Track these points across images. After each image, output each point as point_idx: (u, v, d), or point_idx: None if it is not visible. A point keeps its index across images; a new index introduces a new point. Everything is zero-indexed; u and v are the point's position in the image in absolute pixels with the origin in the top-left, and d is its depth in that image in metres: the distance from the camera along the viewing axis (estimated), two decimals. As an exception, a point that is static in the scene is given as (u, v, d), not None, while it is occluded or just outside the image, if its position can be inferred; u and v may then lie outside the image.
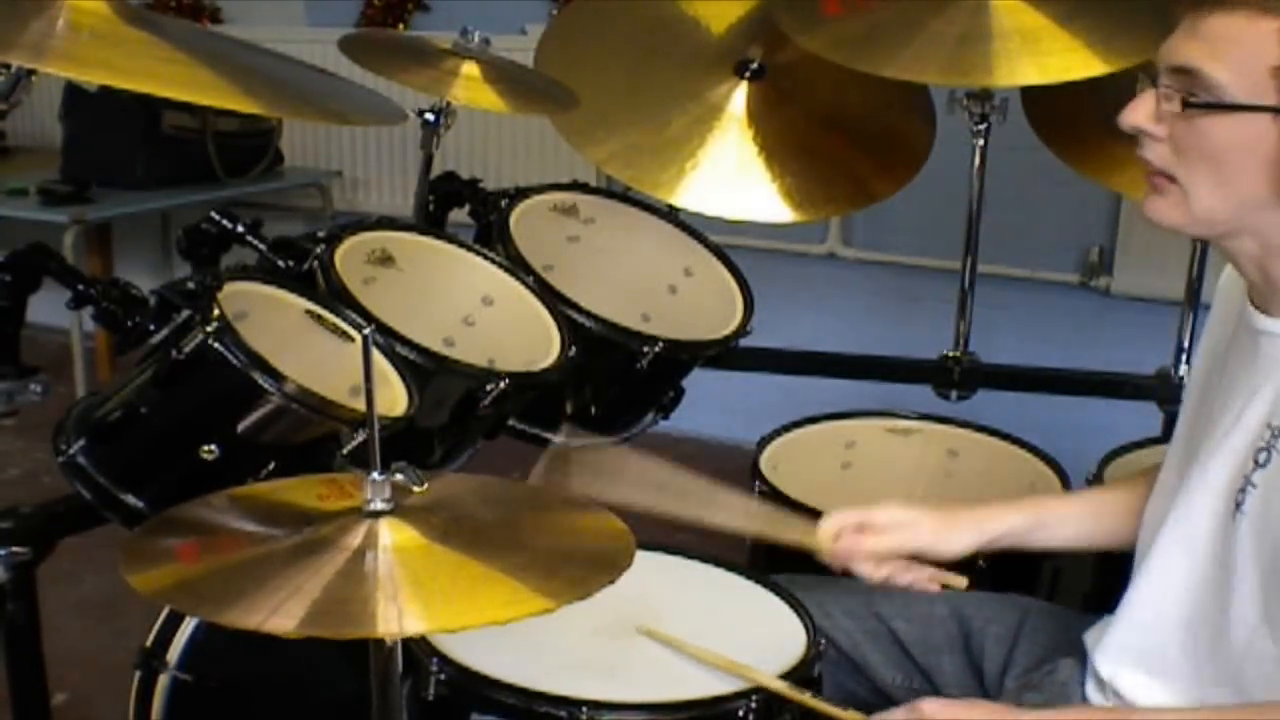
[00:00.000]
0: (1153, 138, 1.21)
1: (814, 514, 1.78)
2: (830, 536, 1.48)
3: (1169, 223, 1.23)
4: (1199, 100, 1.16)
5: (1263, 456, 1.19)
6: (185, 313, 1.42)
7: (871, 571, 1.47)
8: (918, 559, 1.48)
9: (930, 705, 1.25)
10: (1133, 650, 1.31)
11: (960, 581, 1.48)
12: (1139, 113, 1.22)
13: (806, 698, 1.29)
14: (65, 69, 1.22)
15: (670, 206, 2.24)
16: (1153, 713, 1.27)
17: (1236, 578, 1.21)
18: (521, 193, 2.08)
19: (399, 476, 1.05)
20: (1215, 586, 1.24)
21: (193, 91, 1.25)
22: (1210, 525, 1.25)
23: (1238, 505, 1.21)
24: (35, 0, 1.23)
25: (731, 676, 1.32)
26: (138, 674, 1.59)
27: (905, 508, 1.48)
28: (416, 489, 1.06)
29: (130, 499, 1.48)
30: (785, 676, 1.32)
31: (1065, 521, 1.51)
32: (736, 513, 1.45)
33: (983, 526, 1.48)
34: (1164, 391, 2.23)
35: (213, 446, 1.44)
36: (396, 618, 0.94)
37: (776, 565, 1.65)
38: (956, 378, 2.34)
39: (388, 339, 1.60)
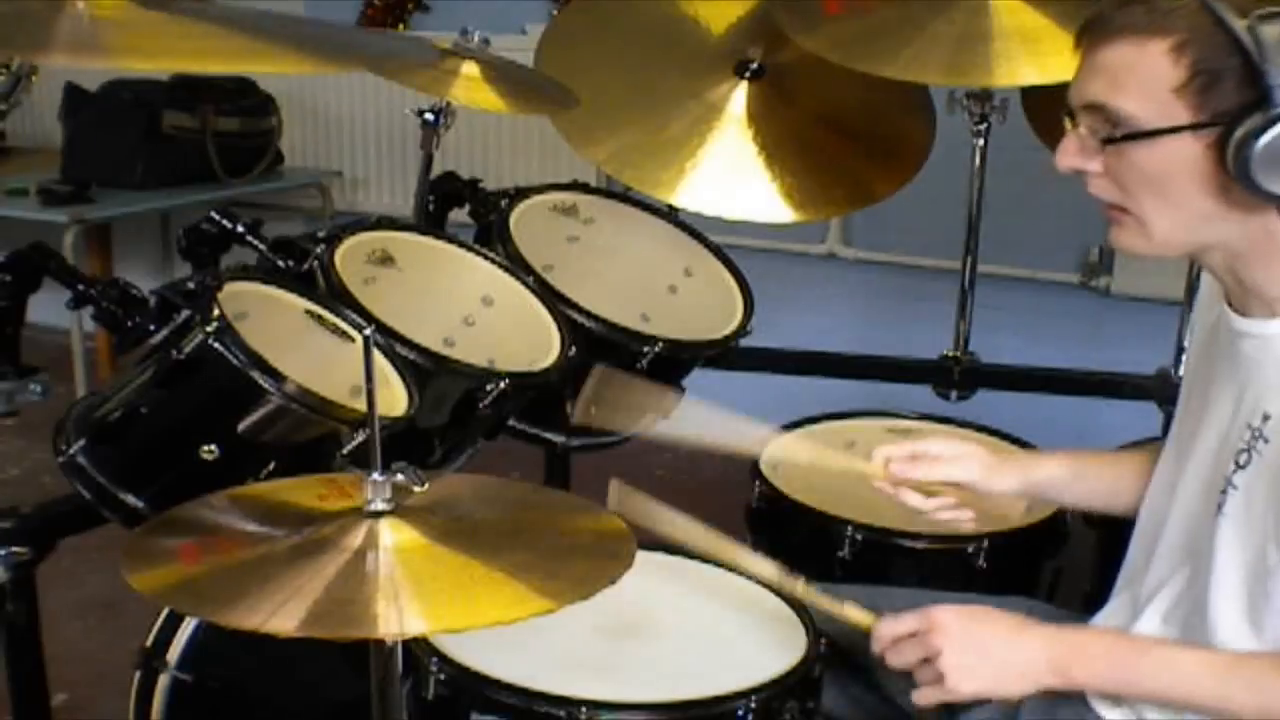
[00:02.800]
0: (1093, 174, 1.22)
1: (814, 514, 1.79)
2: (882, 463, 1.48)
3: (1136, 251, 1.23)
4: (1116, 134, 1.17)
5: (1243, 458, 1.19)
6: (185, 313, 1.43)
7: (920, 502, 1.48)
8: (964, 491, 1.48)
9: (944, 613, 1.25)
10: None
11: (1011, 515, 1.49)
12: (1068, 155, 1.22)
13: (800, 588, 1.31)
14: (88, 60, 1.19)
15: (670, 206, 2.24)
16: (1173, 648, 1.25)
17: (1217, 578, 1.21)
18: (521, 193, 2.08)
19: (399, 477, 1.05)
20: (1196, 587, 1.24)
21: (238, 61, 1.21)
22: (1192, 526, 1.26)
23: (1219, 507, 1.21)
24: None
25: (735, 662, 1.32)
26: (138, 674, 1.59)
27: (957, 439, 1.49)
28: (417, 489, 1.06)
29: (130, 499, 1.48)
30: (785, 677, 1.32)
31: (1100, 477, 1.51)
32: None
33: (1028, 470, 1.50)
34: (1164, 391, 2.22)
35: (213, 446, 1.44)
36: (397, 618, 0.94)
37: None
38: (956, 378, 2.34)
39: (388, 339, 1.60)
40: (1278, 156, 1.11)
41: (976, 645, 1.24)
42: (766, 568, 1.39)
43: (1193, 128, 1.14)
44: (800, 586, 1.32)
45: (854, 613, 1.32)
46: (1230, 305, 1.26)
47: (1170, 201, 1.18)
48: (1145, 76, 1.15)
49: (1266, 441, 1.17)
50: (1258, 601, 1.18)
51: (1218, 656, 1.20)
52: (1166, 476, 1.35)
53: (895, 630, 1.28)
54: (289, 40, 1.28)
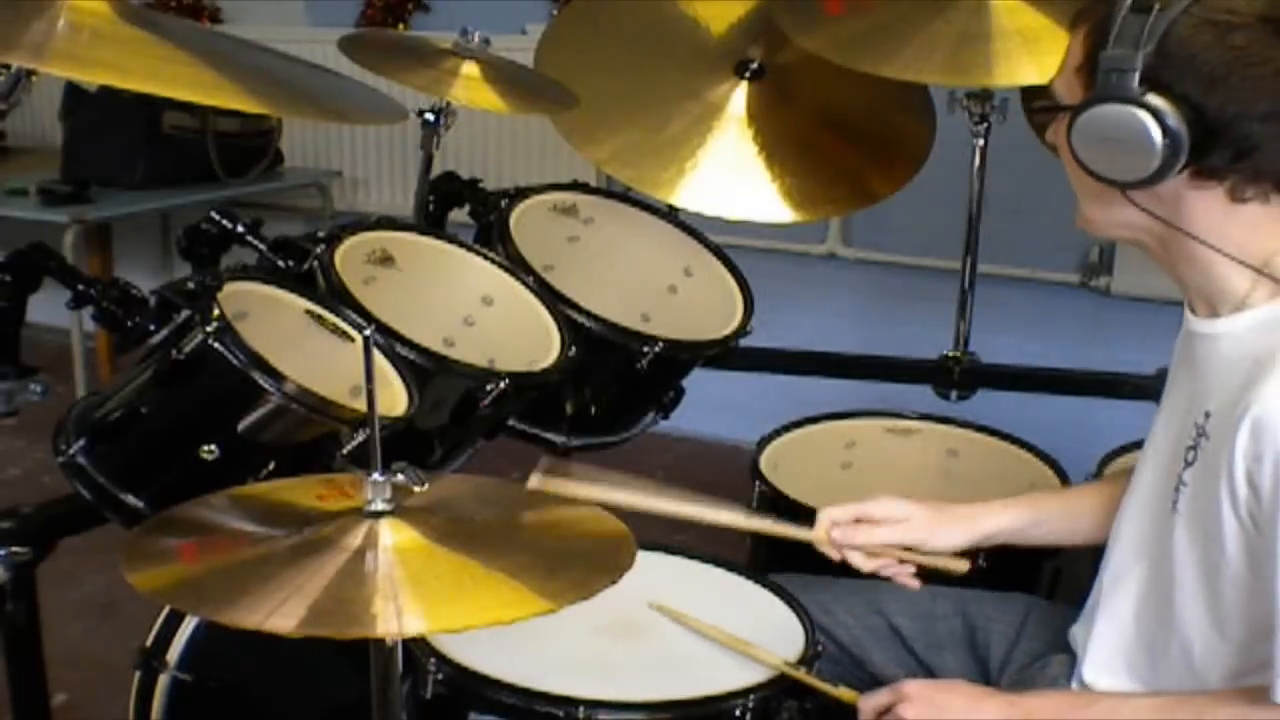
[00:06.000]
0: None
1: (813, 514, 1.79)
2: (825, 528, 1.48)
3: (1088, 231, 1.29)
4: (1039, 105, 1.25)
5: (1190, 455, 1.20)
6: (185, 313, 1.43)
7: (862, 563, 1.48)
8: (911, 551, 1.49)
9: (912, 685, 1.32)
10: (1105, 650, 1.33)
11: (960, 567, 1.49)
12: (1049, 134, 1.28)
13: (802, 674, 1.33)
14: (65, 69, 1.22)
15: (670, 206, 2.24)
16: (1117, 698, 1.28)
17: (1178, 577, 1.22)
18: (521, 193, 2.08)
19: (399, 477, 1.05)
20: (1161, 586, 1.25)
21: (194, 91, 1.25)
22: (1152, 526, 1.28)
23: (1174, 504, 1.22)
24: (35, 0, 1.23)
25: (733, 660, 1.32)
26: (138, 674, 1.59)
27: (900, 501, 1.49)
28: (417, 489, 1.06)
29: (130, 499, 1.48)
30: (784, 676, 1.33)
31: (1061, 517, 1.52)
32: (734, 513, 1.47)
33: (976, 522, 1.49)
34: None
35: (213, 446, 1.44)
36: (396, 618, 0.94)
37: (777, 564, 1.66)
38: (956, 378, 2.34)
39: (388, 339, 1.60)
40: (1089, 139, 1.15)
41: (939, 711, 1.30)
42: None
43: (1063, 108, 1.20)
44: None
45: (842, 692, 1.35)
46: (1188, 306, 1.28)
47: (1080, 182, 1.24)
48: (1068, 59, 1.22)
49: (1208, 439, 1.18)
50: (1216, 598, 1.19)
51: (1160, 699, 1.24)
52: (1137, 474, 1.36)
53: (873, 704, 1.33)
54: (247, 82, 1.32)
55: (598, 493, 1.32)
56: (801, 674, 1.33)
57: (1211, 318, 1.23)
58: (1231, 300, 1.20)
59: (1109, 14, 1.15)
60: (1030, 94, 2.27)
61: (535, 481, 1.34)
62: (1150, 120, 1.11)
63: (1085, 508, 1.50)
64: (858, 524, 1.48)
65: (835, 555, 1.48)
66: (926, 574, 1.51)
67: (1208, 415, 1.19)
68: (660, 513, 1.42)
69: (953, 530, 1.48)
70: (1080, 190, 1.26)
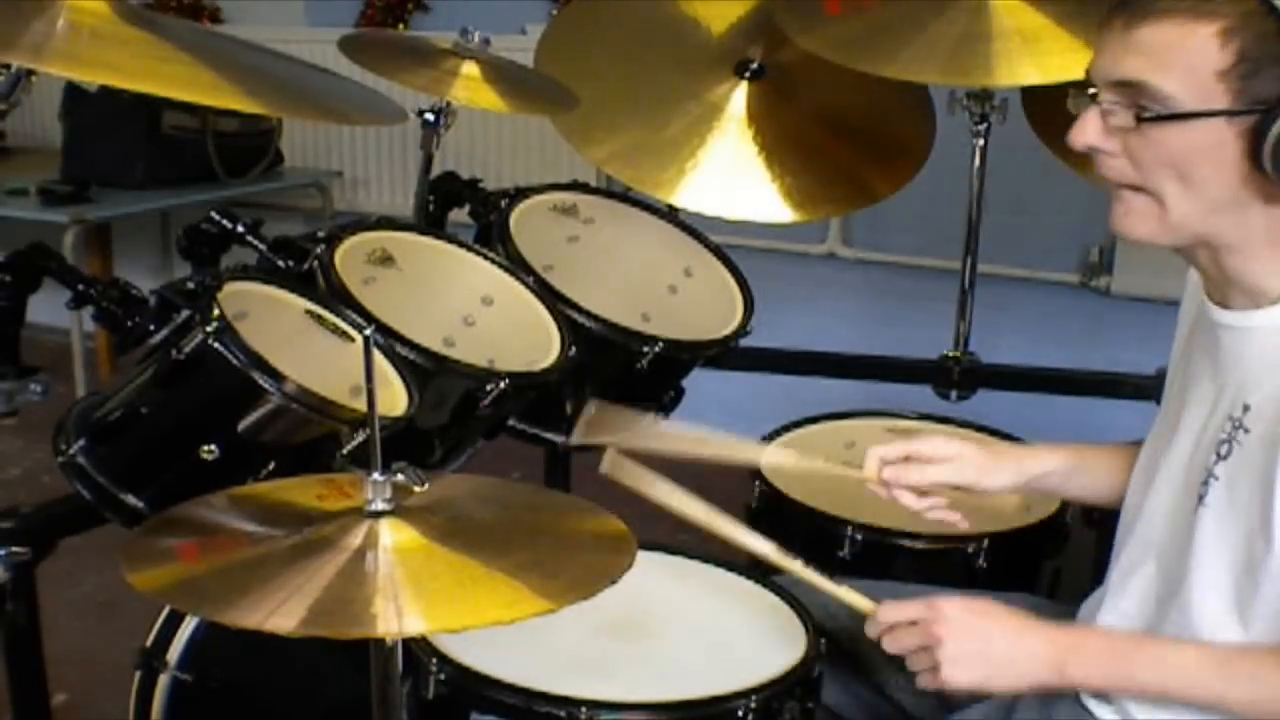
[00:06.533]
0: (1108, 154, 1.20)
1: (814, 514, 1.79)
2: (876, 467, 1.48)
3: (1142, 235, 1.22)
4: (1152, 113, 1.15)
5: (1224, 449, 1.19)
6: (185, 313, 1.43)
7: (913, 503, 1.48)
8: (959, 491, 1.48)
9: (950, 605, 1.25)
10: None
11: (1009, 514, 1.47)
12: (1088, 132, 1.20)
13: (797, 566, 1.31)
14: (65, 69, 1.22)
15: (670, 206, 2.24)
16: (1164, 644, 1.24)
17: (1198, 570, 1.21)
18: (521, 193, 2.08)
19: (399, 477, 1.05)
20: (1176, 578, 1.24)
21: (193, 91, 1.25)
22: (1171, 517, 1.26)
23: (1200, 498, 1.21)
24: (35, 0, 1.23)
25: (734, 661, 1.32)
26: (138, 674, 1.59)
27: (949, 439, 1.49)
28: (417, 489, 1.06)
29: (130, 499, 1.48)
30: (785, 677, 1.32)
31: (1105, 469, 1.50)
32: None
33: (1023, 464, 1.49)
34: (1163, 391, 2.23)
35: (213, 446, 1.44)
36: (397, 618, 0.94)
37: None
38: (956, 378, 2.34)
39: (388, 339, 1.59)
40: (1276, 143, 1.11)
41: (979, 638, 1.24)
42: (762, 545, 1.38)
43: (1230, 113, 1.13)
44: (798, 566, 1.31)
45: (853, 597, 1.32)
46: (1211, 298, 1.26)
47: (1191, 185, 1.17)
48: (1190, 58, 1.13)
49: (1248, 432, 1.17)
50: (1245, 592, 1.18)
51: (1212, 652, 1.20)
52: (1145, 469, 1.35)
53: (897, 615, 1.28)
54: (246, 82, 1.32)
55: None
56: (798, 568, 1.29)
57: (1248, 310, 1.21)
58: (1272, 294, 1.19)
59: (1248, 16, 1.11)
60: (1029, 97, 2.27)
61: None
62: None
63: (1130, 467, 1.46)
64: (908, 462, 1.47)
65: (884, 494, 1.48)
66: (930, 577, 1.51)
67: (1247, 408, 1.18)
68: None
69: (1002, 471, 1.48)
70: (1188, 197, 1.18)
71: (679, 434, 1.46)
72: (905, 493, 1.48)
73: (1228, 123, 1.13)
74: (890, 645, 1.29)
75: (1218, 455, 1.20)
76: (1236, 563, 1.18)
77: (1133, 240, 1.23)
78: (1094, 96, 1.20)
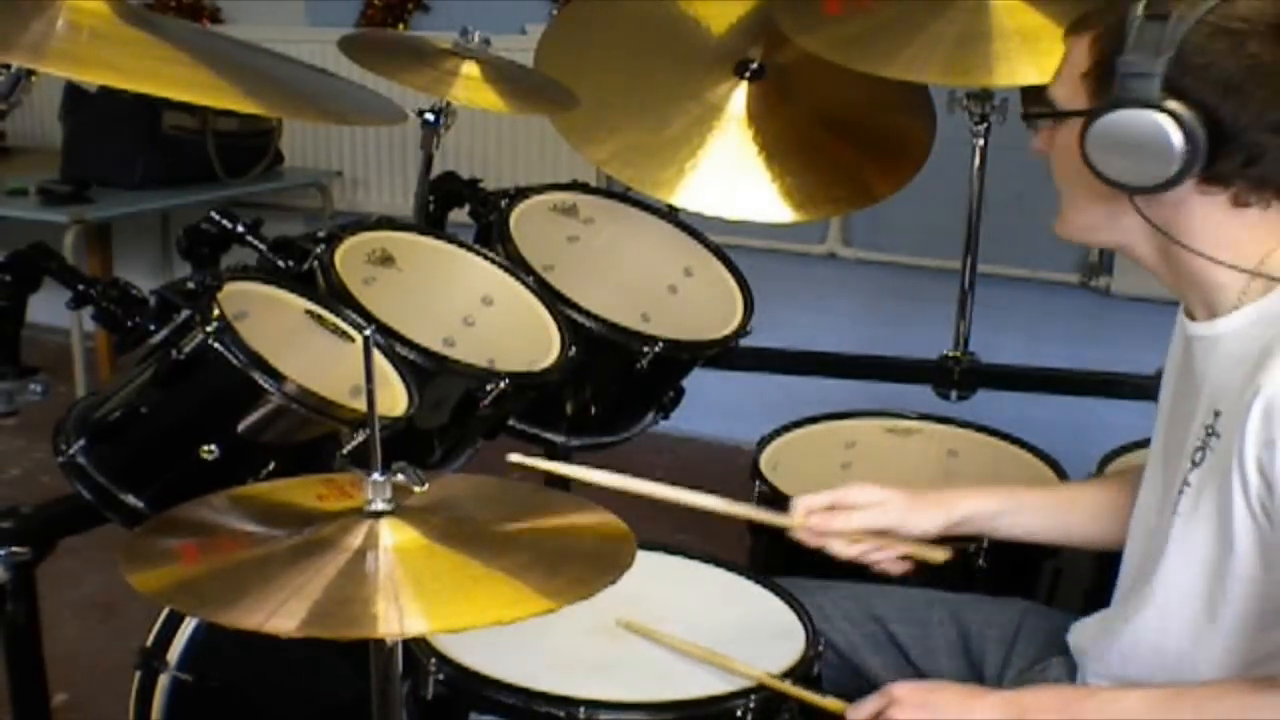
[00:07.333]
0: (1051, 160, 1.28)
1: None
2: (802, 516, 1.48)
3: (1061, 235, 1.30)
4: (1032, 112, 1.25)
5: (1199, 456, 1.20)
6: (185, 313, 1.43)
7: (842, 549, 1.48)
8: (887, 537, 1.48)
9: (901, 688, 1.29)
10: (1114, 652, 1.32)
11: (938, 556, 1.49)
12: (1036, 141, 1.29)
13: (787, 686, 1.31)
14: (65, 69, 1.22)
15: (670, 206, 2.24)
16: (1114, 691, 1.28)
17: (1172, 579, 1.22)
18: (521, 193, 2.08)
19: (399, 477, 1.05)
20: (1149, 585, 1.25)
21: (193, 91, 1.25)
22: (1153, 534, 1.27)
23: (1174, 506, 1.22)
24: (35, 0, 1.23)
25: (722, 672, 1.32)
26: (138, 674, 1.59)
27: (875, 487, 1.49)
28: (417, 489, 1.06)
29: (130, 499, 1.48)
30: (785, 676, 1.32)
31: (1035, 511, 1.52)
32: (712, 499, 1.47)
33: (950, 507, 1.49)
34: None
35: (213, 446, 1.44)
36: (397, 618, 0.94)
37: (776, 567, 1.65)
38: (956, 378, 2.34)
39: (388, 339, 1.60)
40: (1104, 142, 1.15)
41: (933, 711, 1.28)
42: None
43: (1076, 113, 1.19)
44: (771, 680, 1.32)
45: (828, 702, 1.33)
46: (1184, 311, 1.28)
47: (1073, 190, 1.25)
48: (1070, 64, 1.23)
49: (1218, 437, 1.18)
50: (1215, 596, 1.19)
51: (1159, 691, 1.22)
52: (1148, 485, 1.36)
53: (862, 713, 1.30)
54: (245, 82, 1.33)
55: (576, 472, 1.36)
56: (785, 685, 1.30)
57: (1211, 319, 1.23)
58: (1228, 300, 1.20)
59: (1120, 20, 1.15)
60: (1028, 97, 2.27)
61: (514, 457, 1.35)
62: (1172, 125, 1.12)
63: (1079, 505, 1.50)
64: (833, 510, 1.48)
65: (813, 542, 1.48)
66: (930, 578, 1.51)
67: (1218, 414, 1.18)
68: (636, 493, 1.41)
69: (928, 514, 1.48)
70: (1075, 196, 1.25)
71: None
72: (834, 540, 1.48)
73: (1075, 125, 1.19)
74: None
75: (1192, 463, 1.21)
76: (1209, 567, 1.19)
77: (1063, 240, 1.31)
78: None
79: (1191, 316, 1.26)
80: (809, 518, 1.48)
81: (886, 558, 1.49)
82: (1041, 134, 1.27)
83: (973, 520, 1.50)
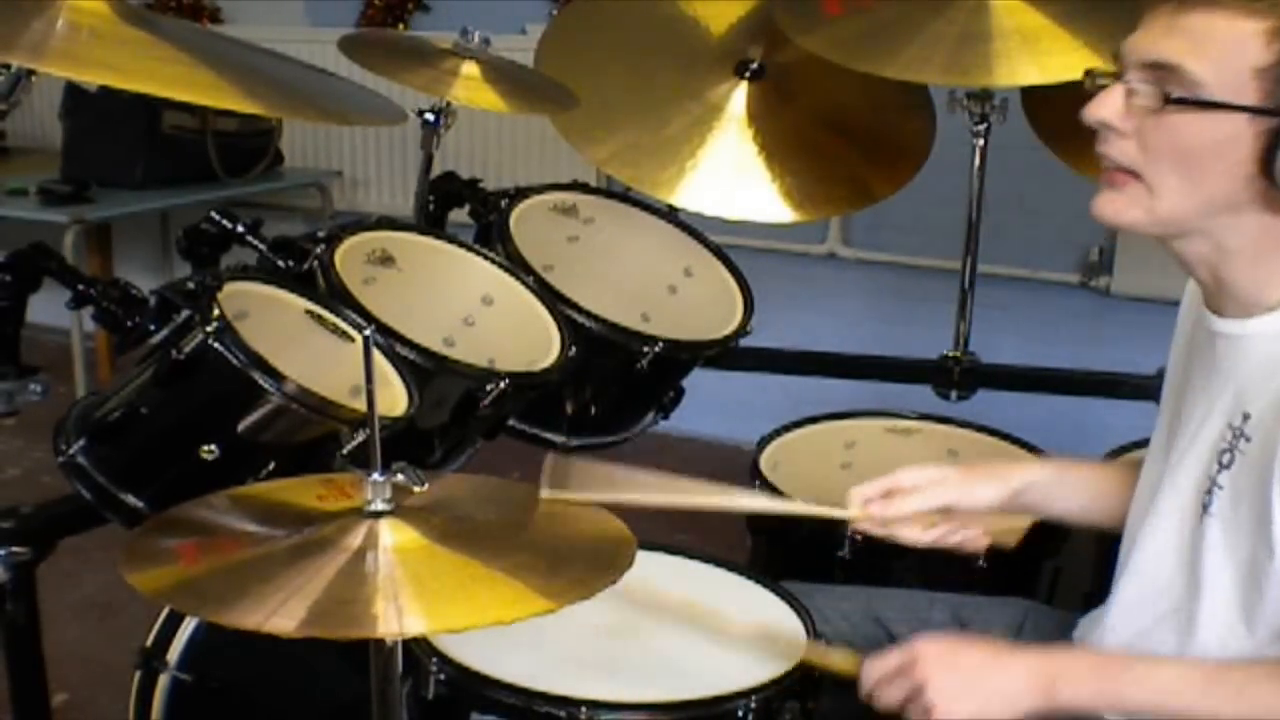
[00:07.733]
0: (1118, 133, 1.18)
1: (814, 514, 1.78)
2: (860, 508, 1.45)
3: (1124, 220, 1.20)
4: (1179, 97, 1.14)
5: (1226, 458, 1.19)
6: (185, 313, 1.43)
7: (915, 537, 1.45)
8: (946, 513, 1.45)
9: (926, 645, 1.25)
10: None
11: (1012, 537, 1.45)
12: (1106, 108, 1.18)
13: (796, 505, 1.29)
14: (65, 69, 1.22)
15: (670, 206, 2.24)
16: (1154, 662, 1.24)
17: (1207, 578, 1.21)
18: (521, 193, 2.08)
19: (399, 477, 1.05)
20: (1184, 587, 1.24)
21: (193, 91, 1.25)
22: (1179, 528, 1.26)
23: (1205, 507, 1.21)
24: (35, 0, 1.23)
25: (735, 661, 1.32)
26: (138, 674, 1.59)
27: (927, 466, 1.46)
28: (417, 489, 1.06)
29: (130, 499, 1.48)
30: (785, 677, 1.32)
31: (1086, 487, 1.49)
32: (757, 498, 1.43)
33: (1007, 478, 1.47)
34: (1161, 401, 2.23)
35: (213, 446, 1.44)
36: (397, 618, 0.94)
37: (776, 569, 1.65)
38: (956, 378, 2.34)
39: (388, 339, 1.60)
40: None
41: (960, 671, 1.23)
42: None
43: (1257, 111, 1.12)
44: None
45: (839, 660, 1.31)
46: (1208, 305, 1.26)
47: (1192, 179, 1.16)
48: (1231, 49, 1.12)
49: (1249, 440, 1.17)
50: (1251, 599, 1.18)
51: (1200, 667, 1.20)
52: (1149, 480, 1.34)
53: (881, 669, 1.27)
54: (245, 82, 1.32)
55: (608, 496, 1.27)
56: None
57: (1244, 318, 1.21)
58: (1268, 299, 1.19)
59: None
60: (1029, 97, 2.27)
61: (546, 493, 1.30)
62: None
63: (1111, 487, 1.47)
64: (890, 496, 1.45)
65: (878, 533, 1.45)
66: (930, 578, 1.50)
67: (1247, 417, 1.17)
68: (677, 508, 1.36)
69: (988, 485, 1.46)
70: (1180, 182, 1.16)
71: (649, 481, 1.40)
72: (904, 528, 1.45)
73: (1250, 121, 1.12)
74: (883, 699, 1.27)
75: (1220, 464, 1.19)
76: (1242, 570, 1.18)
77: (1113, 225, 1.22)
78: (1117, 75, 1.19)
79: (1217, 312, 1.24)
80: (870, 507, 1.45)
81: (968, 536, 1.46)
82: (1116, 101, 1.17)
83: (1028, 492, 1.47)
